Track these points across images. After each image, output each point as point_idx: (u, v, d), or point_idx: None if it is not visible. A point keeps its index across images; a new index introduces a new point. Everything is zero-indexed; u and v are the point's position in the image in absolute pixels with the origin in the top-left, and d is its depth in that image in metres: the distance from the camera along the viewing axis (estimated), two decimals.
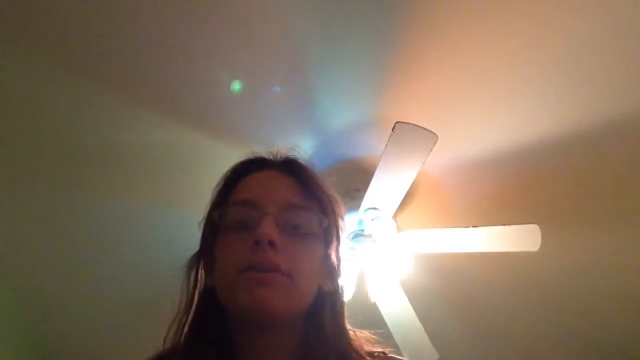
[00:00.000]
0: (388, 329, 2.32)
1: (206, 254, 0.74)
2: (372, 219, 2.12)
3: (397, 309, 2.29)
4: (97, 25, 1.68)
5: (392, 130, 1.62)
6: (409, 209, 2.36)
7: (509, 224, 2.07)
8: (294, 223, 0.70)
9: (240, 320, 0.69)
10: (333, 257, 0.74)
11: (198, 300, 0.73)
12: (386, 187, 1.91)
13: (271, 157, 0.80)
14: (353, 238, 2.18)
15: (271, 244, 0.65)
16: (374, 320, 2.37)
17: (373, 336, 0.77)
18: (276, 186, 0.72)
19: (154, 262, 2.54)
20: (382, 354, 0.75)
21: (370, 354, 0.74)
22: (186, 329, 0.71)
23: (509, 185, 2.30)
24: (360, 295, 2.28)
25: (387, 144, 1.68)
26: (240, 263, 0.66)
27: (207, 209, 0.76)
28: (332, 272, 0.74)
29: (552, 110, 1.96)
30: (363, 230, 2.17)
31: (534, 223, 2.01)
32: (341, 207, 0.78)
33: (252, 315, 0.65)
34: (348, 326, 0.75)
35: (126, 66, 1.81)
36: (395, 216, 2.22)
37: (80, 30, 1.70)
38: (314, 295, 0.70)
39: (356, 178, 2.15)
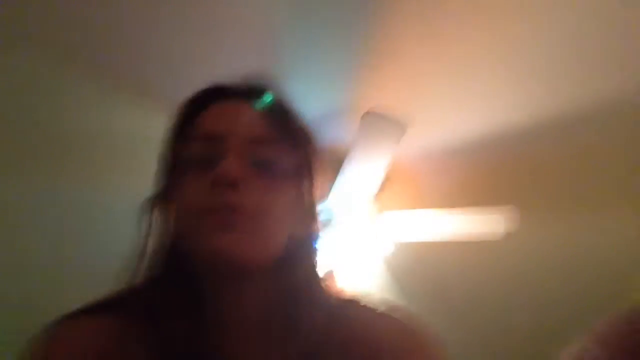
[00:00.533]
0: None
1: (162, 197, 0.66)
2: (344, 208, 2.13)
3: (375, 291, 2.31)
4: (73, 11, 1.66)
5: (361, 119, 1.62)
6: (383, 196, 2.37)
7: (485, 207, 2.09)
8: (262, 159, 0.61)
9: (204, 268, 0.62)
10: (306, 198, 0.65)
11: (157, 247, 0.65)
12: (358, 175, 1.91)
13: (236, 85, 0.70)
14: (325, 227, 2.19)
15: (234, 183, 0.58)
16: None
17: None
18: (241, 117, 0.63)
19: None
20: (354, 299, 0.69)
21: (342, 300, 0.68)
22: (144, 273, 0.64)
23: (483, 173, 2.31)
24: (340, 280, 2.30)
25: (356, 133, 1.69)
26: (200, 206, 0.58)
27: (163, 144, 0.67)
28: (304, 216, 0.65)
29: (524, 99, 1.96)
30: (335, 219, 2.18)
31: (510, 206, 2.04)
32: (315, 142, 0.68)
33: (216, 264, 0.58)
34: (322, 274, 0.68)
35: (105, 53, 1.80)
36: (369, 203, 2.23)
37: (59, 19, 1.67)
38: (284, 240, 0.62)
39: (329, 166, 2.15)
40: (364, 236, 2.22)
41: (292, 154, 0.64)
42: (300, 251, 0.64)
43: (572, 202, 2.47)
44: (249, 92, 0.67)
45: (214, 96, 0.67)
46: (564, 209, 2.50)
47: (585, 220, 2.56)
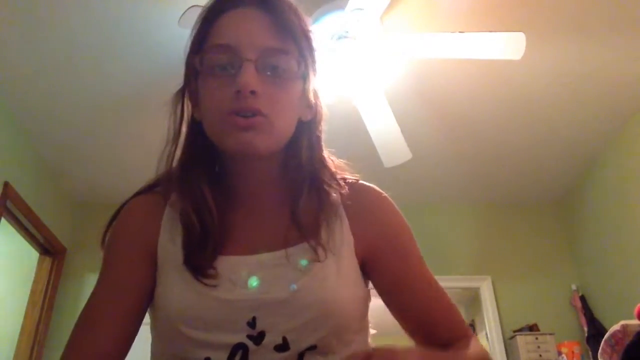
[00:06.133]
0: (366, 132, 2.42)
1: (190, 89, 0.77)
2: (358, 20, 2.07)
3: (376, 111, 2.37)
4: None
5: None
6: (396, 11, 2.30)
7: (496, 31, 2.05)
8: (273, 65, 0.72)
9: (225, 153, 0.76)
10: (311, 90, 0.77)
11: (187, 131, 0.78)
12: None
13: None
14: (337, 40, 2.16)
15: (254, 91, 0.68)
16: (352, 122, 2.47)
17: (348, 164, 0.84)
18: (254, 28, 0.72)
19: (146, 57, 2.52)
20: (354, 181, 0.82)
21: (344, 179, 0.80)
22: (177, 156, 0.78)
23: None
24: (342, 99, 2.33)
25: None
26: (224, 108, 0.70)
27: (187, 49, 0.77)
28: (309, 103, 0.78)
29: None
30: (348, 32, 2.14)
31: (520, 31, 2.00)
32: (315, 41, 0.79)
33: (237, 153, 0.72)
34: (325, 153, 0.80)
35: None
36: (382, 18, 2.17)
37: None
38: (293, 128, 0.75)
39: None
40: (375, 50, 2.20)
41: (298, 59, 0.73)
42: (305, 135, 0.77)
43: (589, 25, 2.41)
44: (261, 0, 0.74)
45: (227, 4, 0.74)
46: (580, 31, 2.45)
47: (603, 44, 2.53)
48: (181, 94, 0.78)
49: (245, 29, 0.72)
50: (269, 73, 0.71)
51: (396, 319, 0.80)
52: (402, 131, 2.42)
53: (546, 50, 2.52)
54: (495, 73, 2.68)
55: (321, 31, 2.15)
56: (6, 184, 2.82)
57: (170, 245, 0.75)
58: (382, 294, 0.79)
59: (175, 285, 0.71)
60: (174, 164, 0.78)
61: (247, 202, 0.78)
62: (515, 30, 2.01)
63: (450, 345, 0.76)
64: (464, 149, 3.36)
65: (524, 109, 2.98)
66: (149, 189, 0.82)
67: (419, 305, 0.78)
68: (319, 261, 0.71)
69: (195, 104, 0.77)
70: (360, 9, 2.01)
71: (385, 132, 2.42)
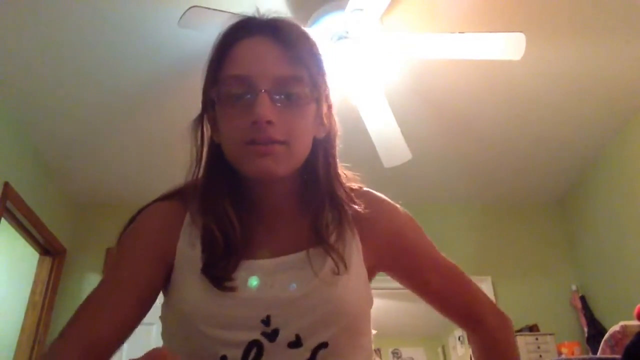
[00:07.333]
0: (366, 131, 2.42)
1: (208, 115, 0.80)
2: (358, 21, 2.08)
3: (376, 111, 2.37)
4: None
5: None
6: (396, 11, 2.29)
7: (496, 31, 2.05)
8: (287, 92, 0.75)
9: (244, 175, 0.78)
10: (325, 109, 0.80)
11: (207, 152, 0.81)
12: None
13: (257, 16, 0.81)
14: (337, 40, 2.16)
15: (270, 122, 0.71)
16: (352, 122, 2.47)
17: (357, 175, 0.87)
18: (267, 58, 0.75)
19: (154, 51, 2.52)
20: (359, 188, 0.86)
21: (352, 189, 0.84)
22: (200, 173, 0.81)
23: None
24: (342, 99, 2.33)
25: None
26: (243, 138, 0.73)
27: (203, 77, 0.80)
28: (323, 122, 0.80)
29: None
30: (348, 32, 2.14)
31: (520, 31, 2.00)
32: (325, 62, 0.82)
33: (255, 177, 0.76)
34: (340, 169, 0.83)
35: None
36: (382, 18, 2.17)
37: None
38: (309, 147, 0.79)
39: None
40: (375, 50, 2.20)
41: (310, 84, 0.76)
42: (321, 153, 0.81)
43: (589, 26, 2.41)
44: (270, 26, 0.78)
45: (240, 33, 0.78)
46: (579, 32, 2.44)
47: (601, 45, 2.52)
48: (199, 120, 0.81)
49: (259, 60, 0.75)
50: (283, 98, 0.74)
51: (431, 305, 0.87)
52: (402, 131, 2.43)
53: (546, 50, 2.52)
54: (495, 73, 2.68)
55: (321, 32, 2.15)
56: (6, 184, 2.82)
57: (189, 249, 0.77)
58: (408, 287, 0.87)
59: (194, 286, 0.73)
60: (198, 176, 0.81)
61: (268, 214, 0.81)
62: (515, 30, 2.01)
63: (483, 322, 0.85)
64: (463, 149, 3.36)
65: (524, 109, 2.98)
66: (169, 196, 0.84)
67: (445, 291, 0.85)
68: (338, 274, 0.74)
69: (214, 129, 0.80)
70: (360, 9, 2.02)
71: (385, 132, 2.43)
